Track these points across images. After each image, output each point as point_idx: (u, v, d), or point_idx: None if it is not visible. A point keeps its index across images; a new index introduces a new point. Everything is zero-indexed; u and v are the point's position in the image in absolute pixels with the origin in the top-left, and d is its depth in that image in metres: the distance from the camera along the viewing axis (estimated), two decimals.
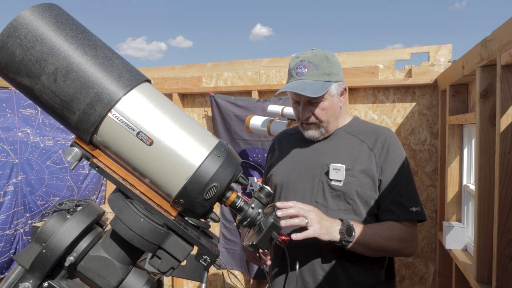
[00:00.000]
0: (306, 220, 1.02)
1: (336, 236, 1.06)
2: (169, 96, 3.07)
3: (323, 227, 1.04)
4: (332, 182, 1.19)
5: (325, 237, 1.04)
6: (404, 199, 1.18)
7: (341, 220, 1.10)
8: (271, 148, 1.47)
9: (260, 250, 1.16)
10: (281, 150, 1.40)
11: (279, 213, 0.97)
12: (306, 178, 1.25)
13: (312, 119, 1.24)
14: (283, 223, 0.95)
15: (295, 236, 1.00)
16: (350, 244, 1.08)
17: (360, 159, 1.21)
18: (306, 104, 1.23)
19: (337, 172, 1.19)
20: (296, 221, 1.01)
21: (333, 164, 1.20)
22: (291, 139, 1.41)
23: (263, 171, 1.57)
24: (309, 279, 1.19)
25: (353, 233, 1.08)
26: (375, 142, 1.24)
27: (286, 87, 1.21)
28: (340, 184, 1.18)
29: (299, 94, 1.18)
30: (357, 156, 1.22)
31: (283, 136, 1.46)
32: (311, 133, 1.27)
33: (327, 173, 1.21)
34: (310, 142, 1.33)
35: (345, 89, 1.29)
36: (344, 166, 1.19)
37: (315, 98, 1.19)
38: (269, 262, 1.22)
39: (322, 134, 1.27)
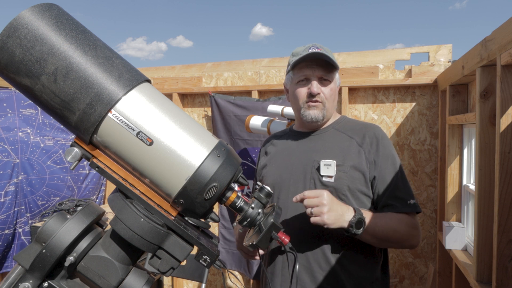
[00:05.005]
0: (311, 210, 1.05)
1: (344, 225, 1.07)
2: (169, 96, 3.07)
3: (330, 217, 1.05)
4: (324, 178, 1.20)
5: (331, 226, 1.06)
6: (401, 192, 1.21)
7: (355, 210, 1.10)
8: (261, 151, 1.48)
9: (261, 251, 1.16)
10: (271, 152, 1.40)
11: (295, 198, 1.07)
12: (298, 176, 1.26)
13: (321, 96, 1.26)
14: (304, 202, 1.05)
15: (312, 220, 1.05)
16: (358, 235, 1.10)
17: (350, 155, 1.23)
18: (318, 80, 1.26)
19: (328, 168, 1.20)
20: (307, 211, 1.06)
21: (323, 160, 1.21)
22: (281, 140, 1.41)
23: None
24: (306, 279, 1.19)
25: (362, 227, 1.09)
26: (363, 138, 1.25)
27: (309, 54, 1.23)
28: (331, 180, 1.19)
29: (313, 68, 1.24)
30: (347, 152, 1.24)
31: (272, 138, 1.47)
32: (315, 113, 1.27)
33: (318, 169, 1.22)
34: (299, 140, 1.34)
35: (339, 85, 1.36)
36: (334, 161, 1.20)
37: (327, 75, 1.26)
38: (257, 257, 1.24)
39: (323, 117, 1.29)
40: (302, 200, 1.08)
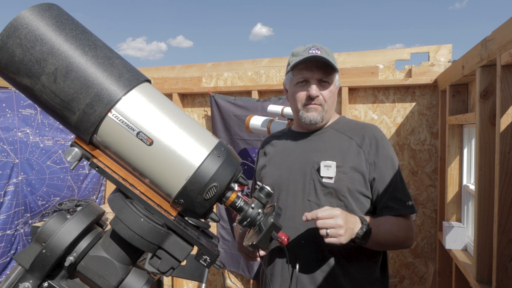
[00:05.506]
0: (327, 231, 1.01)
1: (352, 237, 1.06)
2: (169, 96, 3.07)
3: (346, 237, 1.03)
4: (323, 180, 1.20)
5: (345, 242, 1.04)
6: (401, 194, 1.21)
7: (362, 221, 1.09)
8: (260, 152, 1.47)
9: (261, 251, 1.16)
10: (270, 152, 1.39)
11: (306, 217, 1.03)
12: (297, 177, 1.25)
13: (320, 99, 1.25)
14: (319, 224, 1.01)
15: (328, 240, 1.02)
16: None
17: (350, 156, 1.22)
18: (317, 83, 1.25)
19: (328, 169, 1.19)
20: (322, 232, 1.02)
21: (323, 161, 1.20)
22: (280, 140, 1.40)
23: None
24: (306, 280, 1.19)
25: (368, 237, 1.08)
26: (363, 139, 1.25)
27: (309, 56, 1.21)
28: (331, 181, 1.19)
29: (312, 71, 1.23)
30: (346, 153, 1.23)
31: (271, 139, 1.46)
32: (314, 115, 1.27)
33: (318, 171, 1.21)
34: (298, 141, 1.33)
35: (338, 86, 1.35)
36: (334, 163, 1.19)
37: (326, 77, 1.25)
38: (258, 259, 1.23)
39: (321, 119, 1.28)
40: (311, 218, 1.04)
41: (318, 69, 1.23)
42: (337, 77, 1.30)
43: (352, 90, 2.69)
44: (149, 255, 0.71)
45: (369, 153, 1.22)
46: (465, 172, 2.23)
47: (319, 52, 1.22)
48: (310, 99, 1.25)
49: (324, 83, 1.26)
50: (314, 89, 1.23)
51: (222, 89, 2.98)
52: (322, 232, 1.02)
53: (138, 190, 0.71)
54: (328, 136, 1.30)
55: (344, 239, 1.02)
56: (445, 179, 2.32)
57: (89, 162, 0.72)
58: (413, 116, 2.60)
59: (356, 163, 1.21)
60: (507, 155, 1.39)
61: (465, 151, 2.23)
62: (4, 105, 2.45)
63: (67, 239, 0.66)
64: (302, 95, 1.26)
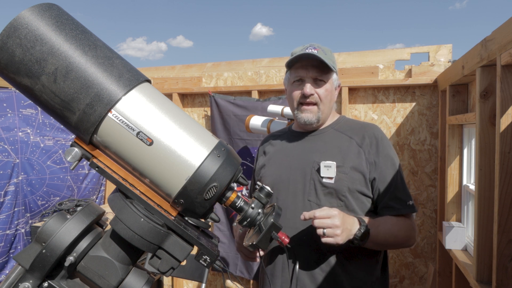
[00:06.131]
0: (324, 231, 1.02)
1: (350, 238, 1.07)
2: (169, 96, 3.07)
3: (343, 238, 1.03)
4: (324, 180, 1.20)
5: (341, 242, 1.05)
6: (401, 193, 1.21)
7: (360, 222, 1.09)
8: (259, 151, 1.47)
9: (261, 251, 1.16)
10: (269, 152, 1.39)
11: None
12: (297, 177, 1.25)
13: (315, 97, 1.25)
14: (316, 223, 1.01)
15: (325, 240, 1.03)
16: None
17: (350, 156, 1.22)
18: (312, 81, 1.25)
19: (328, 169, 1.19)
20: (319, 231, 1.02)
21: (323, 162, 1.20)
22: (280, 140, 1.40)
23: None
24: (306, 280, 1.19)
25: (367, 238, 1.09)
26: (363, 139, 1.25)
27: (302, 54, 1.22)
28: (332, 181, 1.19)
29: (307, 69, 1.23)
30: (346, 153, 1.23)
31: (271, 138, 1.45)
32: (309, 116, 1.27)
33: (318, 171, 1.21)
34: (298, 141, 1.33)
35: (339, 86, 1.35)
36: (334, 163, 1.19)
37: (322, 76, 1.25)
38: (258, 260, 1.23)
39: (317, 119, 1.28)
40: (309, 218, 1.05)
41: (314, 67, 1.24)
42: (335, 76, 1.30)
43: (352, 90, 2.69)
44: (149, 255, 0.71)
45: (369, 153, 1.22)
46: (465, 172, 2.23)
47: (315, 51, 1.22)
48: (304, 97, 1.25)
49: (319, 82, 1.26)
50: (308, 88, 1.24)
51: (222, 89, 2.98)
52: (319, 231, 1.03)
53: (138, 190, 0.71)
54: (328, 136, 1.30)
55: (340, 239, 1.02)
56: (445, 179, 2.32)
57: (89, 162, 0.72)
58: (413, 116, 2.60)
59: (356, 163, 1.21)
60: (507, 155, 1.39)
61: (465, 151, 2.23)
62: (4, 105, 2.45)
63: (67, 239, 0.66)
64: (297, 93, 1.27)
